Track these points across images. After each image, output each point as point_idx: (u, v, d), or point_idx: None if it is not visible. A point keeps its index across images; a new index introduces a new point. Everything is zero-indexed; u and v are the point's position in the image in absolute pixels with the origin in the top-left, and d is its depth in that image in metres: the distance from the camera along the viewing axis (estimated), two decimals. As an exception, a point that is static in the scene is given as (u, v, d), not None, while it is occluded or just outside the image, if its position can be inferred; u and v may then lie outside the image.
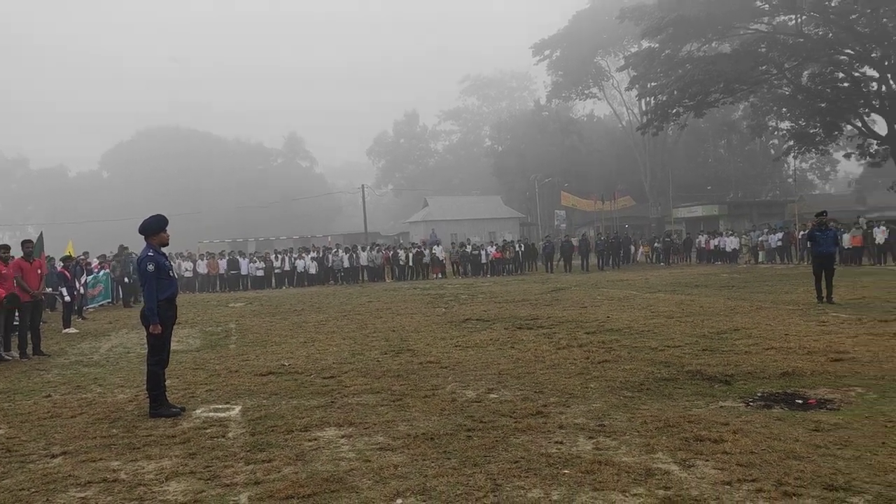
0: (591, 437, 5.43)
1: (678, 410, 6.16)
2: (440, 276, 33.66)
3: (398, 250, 34.61)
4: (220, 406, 7.15)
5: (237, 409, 6.97)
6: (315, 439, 5.69)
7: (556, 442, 5.34)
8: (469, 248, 34.96)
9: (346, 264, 32.05)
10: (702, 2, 33.69)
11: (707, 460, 4.75)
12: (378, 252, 33.76)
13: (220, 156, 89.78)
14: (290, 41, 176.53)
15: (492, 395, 7.08)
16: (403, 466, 4.88)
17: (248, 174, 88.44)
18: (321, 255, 32.30)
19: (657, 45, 39.87)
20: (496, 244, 36.73)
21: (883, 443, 4.94)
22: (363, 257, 32.67)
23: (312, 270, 31.51)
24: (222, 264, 31.03)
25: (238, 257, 31.99)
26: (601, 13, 59.58)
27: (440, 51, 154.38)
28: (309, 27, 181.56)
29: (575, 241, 38.35)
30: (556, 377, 7.87)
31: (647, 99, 46.19)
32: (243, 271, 31.17)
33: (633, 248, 41.14)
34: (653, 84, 41.39)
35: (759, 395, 6.71)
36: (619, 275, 29.12)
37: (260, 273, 31.26)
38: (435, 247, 36.43)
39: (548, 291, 20.79)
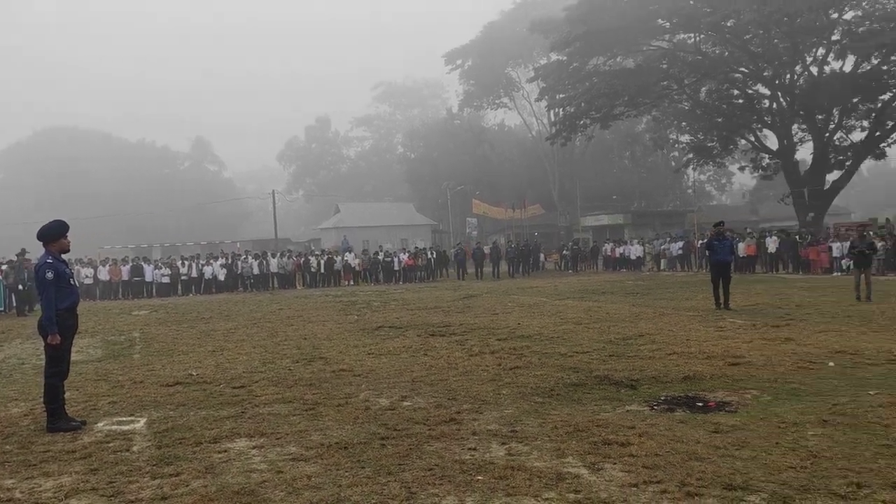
0: (503, 443, 5.49)
1: (587, 415, 6.32)
2: (352, 283, 33.41)
3: (309, 257, 34.14)
4: (124, 419, 6.86)
5: (142, 421, 6.70)
6: (225, 451, 5.53)
7: (470, 448, 5.38)
8: (381, 255, 34.85)
9: (256, 271, 31.36)
10: (607, 18, 34.83)
11: (615, 463, 4.90)
12: (289, 258, 33.20)
13: (124, 159, 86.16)
14: (213, 51, 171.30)
15: (405, 403, 7.07)
16: (317, 477, 4.81)
17: (153, 178, 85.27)
18: (230, 262, 31.48)
19: (565, 58, 40.92)
20: (408, 251, 36.77)
21: (777, 443, 5.21)
22: (273, 264, 32.05)
23: (221, 277, 30.67)
24: (125, 271, 29.78)
25: (143, 263, 30.76)
26: (512, 25, 60.69)
27: (350, 58, 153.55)
28: (236, 37, 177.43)
29: (486, 249, 38.81)
30: (468, 384, 7.94)
31: (556, 110, 47.38)
32: (148, 278, 30.00)
33: (542, 255, 42.04)
34: (561, 96, 42.46)
35: (662, 398, 6.96)
36: (530, 282, 29.65)
37: (166, 280, 30.16)
38: (347, 253, 36.15)
39: (460, 298, 20.95)
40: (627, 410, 6.51)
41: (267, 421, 6.50)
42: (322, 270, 32.74)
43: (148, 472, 5.05)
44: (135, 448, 5.74)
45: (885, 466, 4.59)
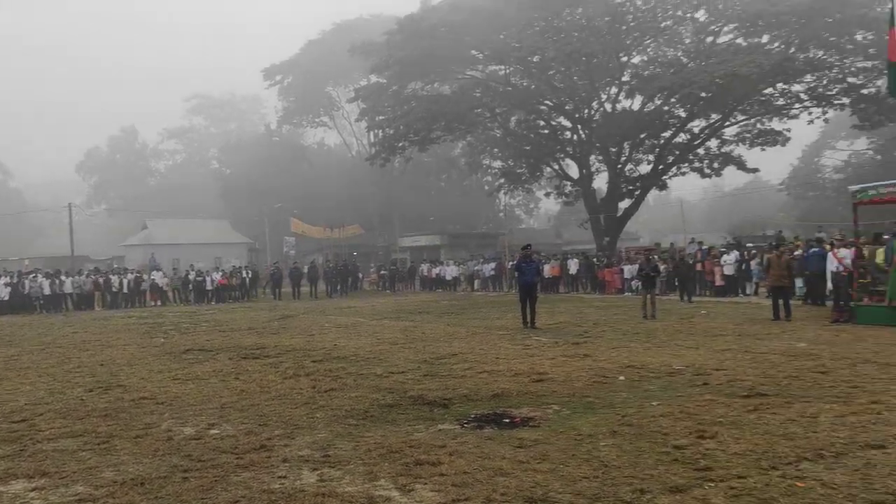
0: (315, 469, 5.42)
1: (400, 436, 6.39)
2: (160, 303, 31.52)
3: (111, 276, 31.76)
4: None
5: None
6: None
7: (280, 476, 5.25)
8: (192, 274, 33.19)
9: (48, 291, 28.67)
10: (425, 45, 35.82)
11: (426, 483, 4.99)
12: (87, 277, 30.68)
13: None
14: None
15: (212, 431, 6.76)
16: (110, 518, 4.46)
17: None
18: (16, 281, 28.53)
19: (385, 80, 41.52)
20: (222, 270, 35.33)
21: (573, 455, 5.57)
22: (68, 283, 29.46)
23: (5, 297, 27.69)
24: None
25: None
26: (332, 44, 60.61)
27: (164, 64, 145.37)
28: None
29: (304, 268, 38.21)
30: (281, 408, 7.75)
31: (376, 131, 47.85)
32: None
33: (360, 275, 42.07)
34: (381, 117, 42.95)
35: (472, 416, 7.20)
36: (348, 302, 29.57)
37: (-66, 301, 26.77)
38: (154, 272, 34.07)
39: (275, 319, 20.46)
40: (440, 430, 6.66)
41: (51, 458, 5.94)
42: (125, 290, 30.59)
43: None
44: None
45: (664, 472, 5.06)
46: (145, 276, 32.11)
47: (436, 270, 38.55)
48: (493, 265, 35.81)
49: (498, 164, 47.94)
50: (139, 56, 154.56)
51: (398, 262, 45.06)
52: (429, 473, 5.19)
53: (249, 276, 35.25)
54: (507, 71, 39.79)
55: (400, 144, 41.03)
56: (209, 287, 32.78)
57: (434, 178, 68.08)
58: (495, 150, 46.55)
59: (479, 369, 9.97)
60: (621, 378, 8.91)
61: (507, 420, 6.97)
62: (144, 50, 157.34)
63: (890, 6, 15.13)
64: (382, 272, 42.14)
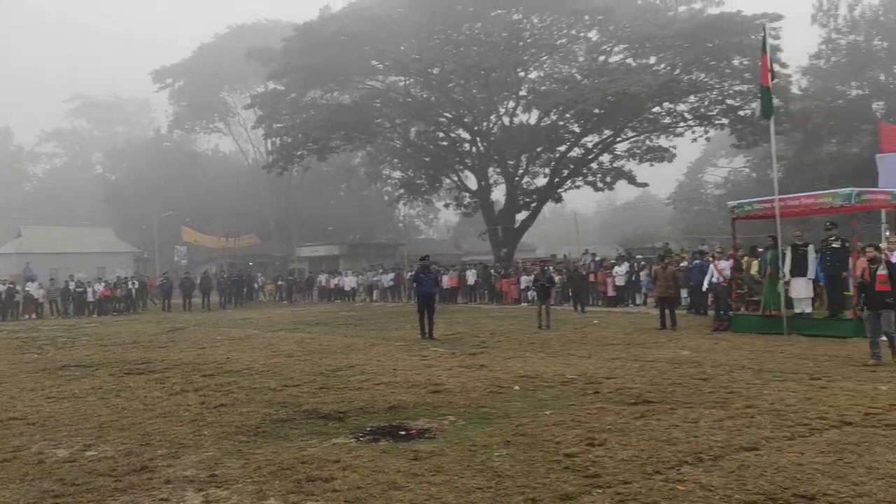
0: (200, 490, 5.19)
1: (293, 451, 6.22)
2: (34, 316, 29.66)
3: (-20, 287, 29.63)
4: None
5: None
6: None
7: (161, 499, 5.00)
8: (72, 285, 31.40)
9: None
10: (324, 53, 35.47)
11: (317, 500, 4.87)
12: (-48, 289, 28.53)
13: None
14: None
15: (89, 453, 6.37)
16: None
17: None
18: None
19: (283, 87, 40.81)
20: (106, 281, 33.62)
21: (468, 466, 5.58)
22: (-70, 295, 27.30)
23: None
24: None
25: None
26: (227, 49, 59.02)
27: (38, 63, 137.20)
28: None
29: (197, 279, 36.96)
30: (166, 426, 7.41)
31: (273, 139, 46.89)
32: None
33: (256, 285, 41.08)
34: (278, 125, 42.15)
35: (368, 429, 7.11)
36: (242, 313, 28.78)
37: None
38: (29, 283, 32.04)
39: (163, 332, 19.65)
40: (334, 444, 6.53)
41: None
42: (-3, 303, 28.62)
43: None
44: None
45: (555, 480, 5.14)
46: (19, 287, 30.15)
47: (334, 281, 38.12)
48: (391, 276, 35.75)
49: (397, 174, 48.00)
50: (24, 56, 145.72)
51: (296, 272, 44.24)
52: (321, 490, 5.07)
53: (136, 286, 33.73)
54: (408, 82, 39.96)
55: (298, 153, 40.44)
56: (90, 298, 31.11)
57: (333, 187, 67.47)
58: (395, 160, 46.61)
59: (376, 381, 9.88)
60: (516, 388, 9.04)
61: (403, 432, 6.92)
62: (29, 50, 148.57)
63: (762, 35, 16.16)
64: (279, 283, 41.31)
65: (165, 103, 66.88)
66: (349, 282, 37.17)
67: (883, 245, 13.41)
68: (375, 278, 36.55)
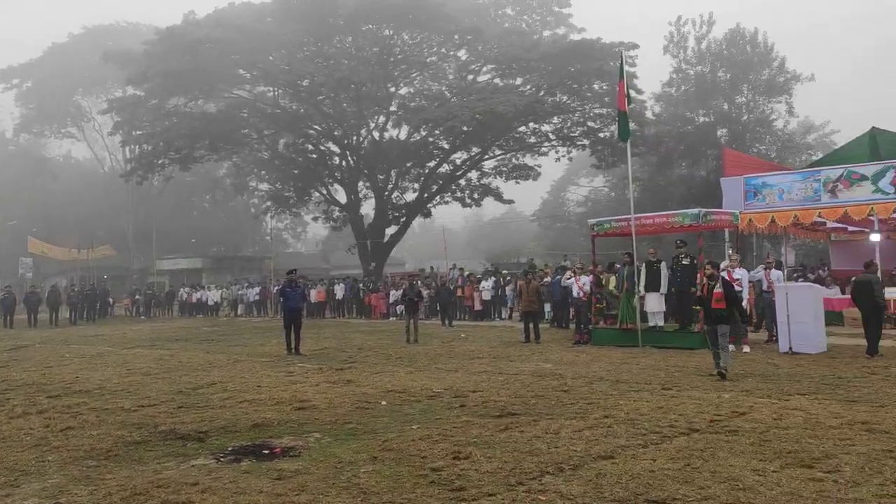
0: (43, 521, 4.84)
1: (148, 475, 5.92)
2: None
3: None
4: None
5: None
6: None
7: (-1, 533, 4.62)
8: None
9: None
10: (189, 60, 34.19)
11: (173, 526, 4.66)
12: None
13: None
14: None
15: (-87, 487, 5.79)
16: None
17: None
18: None
19: (143, 93, 38.95)
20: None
21: (333, 483, 5.52)
22: None
23: None
24: None
25: None
26: (82, 50, 55.75)
27: None
28: None
29: (44, 293, 34.43)
30: (5, 452, 6.85)
31: (132, 147, 44.61)
32: None
33: (111, 300, 38.85)
34: (138, 132, 40.20)
35: (230, 449, 6.87)
36: (95, 329, 27.10)
37: None
38: None
39: (4, 350, 18.15)
40: (193, 466, 6.27)
41: None
42: None
43: None
44: None
45: (421, 495, 5.18)
46: None
47: (197, 295, 36.70)
48: (257, 290, 34.85)
49: (265, 186, 46.96)
50: None
51: (155, 286, 42.21)
52: (178, 515, 4.86)
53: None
54: (277, 93, 39.29)
55: (160, 162, 38.73)
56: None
57: (197, 198, 65.13)
58: (263, 172, 45.57)
59: (239, 399, 9.59)
60: (383, 403, 9.04)
61: (267, 451, 6.75)
62: None
63: (620, 62, 17.19)
64: (137, 297, 39.28)
65: (11, 105, 62.23)
66: (212, 296, 35.92)
67: (725, 263, 14.52)
68: (240, 292, 35.51)
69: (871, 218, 17.63)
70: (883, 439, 6.36)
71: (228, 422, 8.06)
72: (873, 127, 19.59)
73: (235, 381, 11.40)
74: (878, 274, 13.45)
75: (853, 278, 14.06)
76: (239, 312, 34.89)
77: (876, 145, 18.93)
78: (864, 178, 17.69)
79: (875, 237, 18.06)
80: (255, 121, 38.57)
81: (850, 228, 21.80)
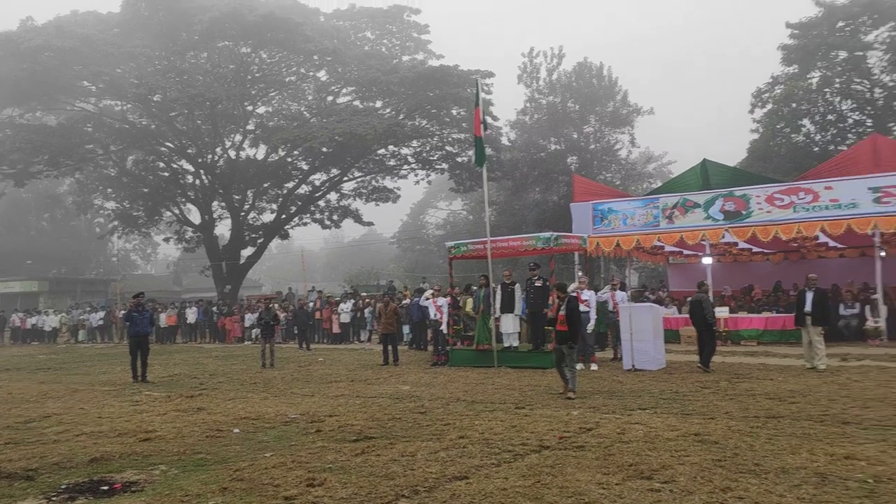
0: None
1: (-34, 521, 5.41)
2: None
3: None
4: None
5: None
6: None
7: None
8: None
9: None
10: (25, 68, 31.80)
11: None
12: None
13: None
14: None
15: None
16: None
17: None
18: None
19: (-29, 101, 35.82)
20: None
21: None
22: None
23: None
24: None
25: None
26: None
27: None
28: None
29: None
30: None
31: (-44, 159, 40.77)
32: None
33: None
34: (-36, 144, 36.82)
35: (63, 487, 6.40)
36: None
37: None
38: None
39: None
40: (20, 507, 5.79)
41: None
42: None
43: None
44: None
45: (272, 523, 5.07)
46: None
47: (32, 320, 33.96)
48: (102, 314, 32.72)
49: (112, 205, 44.22)
50: None
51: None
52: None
53: None
54: (125, 107, 37.35)
55: (-9, 177, 35.63)
56: None
57: (34, 216, 60.42)
58: (109, 189, 42.92)
59: (76, 432, 8.95)
60: (236, 430, 8.74)
61: (106, 487, 6.34)
62: None
63: (476, 89, 17.77)
64: (-42, 324, 35.72)
65: None
66: (50, 321, 33.37)
67: (574, 285, 15.25)
68: (83, 317, 33.21)
69: (703, 242, 19.19)
70: (713, 450, 6.88)
71: (63, 457, 7.50)
72: (705, 159, 21.29)
73: (73, 412, 10.65)
74: (710, 294, 14.57)
75: (688, 298, 15.17)
76: (80, 338, 32.60)
77: (707, 175, 20.60)
78: (696, 205, 19.26)
79: (707, 260, 19.62)
80: (101, 136, 36.40)
81: (686, 252, 23.59)
